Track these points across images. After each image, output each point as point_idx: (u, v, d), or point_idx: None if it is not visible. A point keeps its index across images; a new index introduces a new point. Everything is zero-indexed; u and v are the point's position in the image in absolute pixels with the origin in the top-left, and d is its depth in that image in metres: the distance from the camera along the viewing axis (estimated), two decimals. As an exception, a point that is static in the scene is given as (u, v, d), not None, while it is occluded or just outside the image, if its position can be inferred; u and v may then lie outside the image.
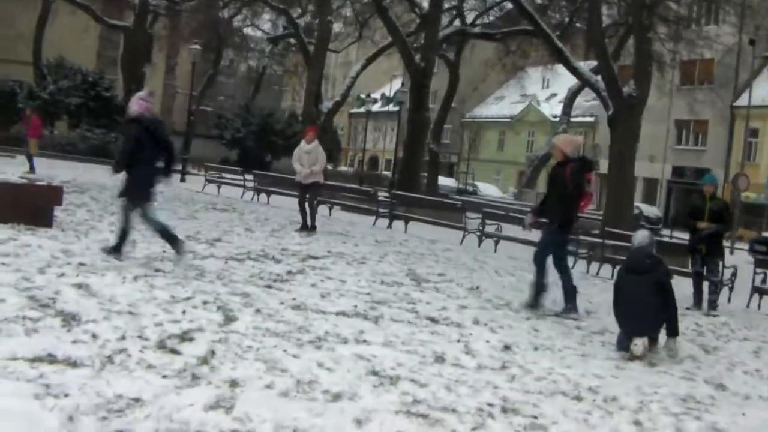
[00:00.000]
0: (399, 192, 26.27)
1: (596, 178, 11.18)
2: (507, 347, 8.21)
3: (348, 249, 14.95)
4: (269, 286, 9.76)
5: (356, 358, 6.92)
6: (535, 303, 10.82)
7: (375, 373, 6.52)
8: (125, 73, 46.84)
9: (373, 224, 21.84)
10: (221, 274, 10.21)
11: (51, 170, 23.04)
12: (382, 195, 24.87)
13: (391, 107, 77.76)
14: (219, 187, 28.09)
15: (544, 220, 11.19)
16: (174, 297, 8.36)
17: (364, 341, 7.61)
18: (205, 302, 8.31)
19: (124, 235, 10.41)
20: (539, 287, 10.83)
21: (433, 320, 9.11)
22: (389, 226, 21.65)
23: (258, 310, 8.28)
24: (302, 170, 17.22)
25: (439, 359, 7.33)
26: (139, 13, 45.44)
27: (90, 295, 7.98)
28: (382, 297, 10.09)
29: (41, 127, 27.15)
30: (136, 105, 10.60)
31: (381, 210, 22.78)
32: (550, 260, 10.78)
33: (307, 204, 17.40)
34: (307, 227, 17.28)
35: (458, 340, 8.23)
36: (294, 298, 9.17)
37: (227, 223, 17.11)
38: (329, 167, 32.35)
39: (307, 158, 17.41)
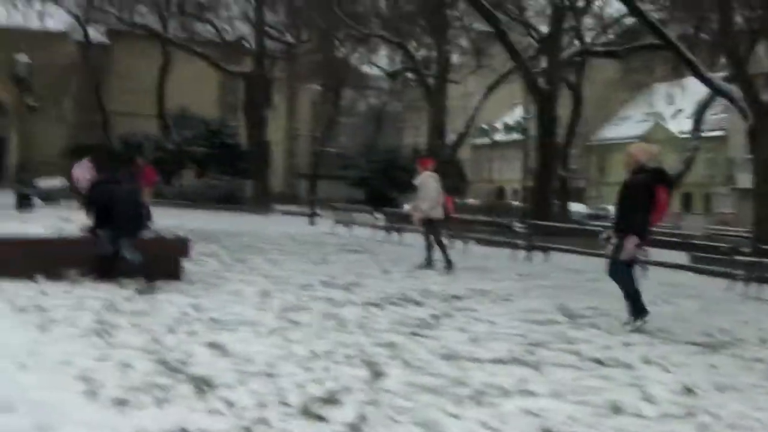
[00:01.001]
0: (535, 221, 25.20)
1: (667, 196, 10.25)
2: (688, 390, 7.19)
3: (490, 286, 14.06)
4: (415, 333, 8.95)
5: (523, 414, 6.05)
6: (637, 314, 10.15)
7: (548, 432, 5.66)
8: (248, 118, 46.98)
9: (511, 257, 20.87)
10: (362, 322, 9.46)
11: (179, 219, 22.76)
12: (517, 225, 23.85)
13: (514, 135, 76.70)
14: (349, 228, 27.51)
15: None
16: (314, 352, 7.64)
17: (528, 392, 6.72)
18: (348, 356, 7.56)
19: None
20: (634, 297, 10.19)
21: (599, 362, 8.14)
22: (528, 258, 20.64)
23: (407, 363, 7.48)
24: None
25: (616, 409, 6.39)
26: (256, 58, 45.52)
27: (223, 354, 7.34)
28: (537, 338, 9.18)
29: (155, 176, 27.10)
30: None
31: (517, 241, 21.79)
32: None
33: (431, 239, 16.66)
34: (429, 263, 16.46)
35: (632, 385, 7.26)
36: (443, 346, 8.34)
37: (361, 265, 16.43)
38: (456, 200, 31.52)
39: (419, 192, 16.78)
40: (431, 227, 16.82)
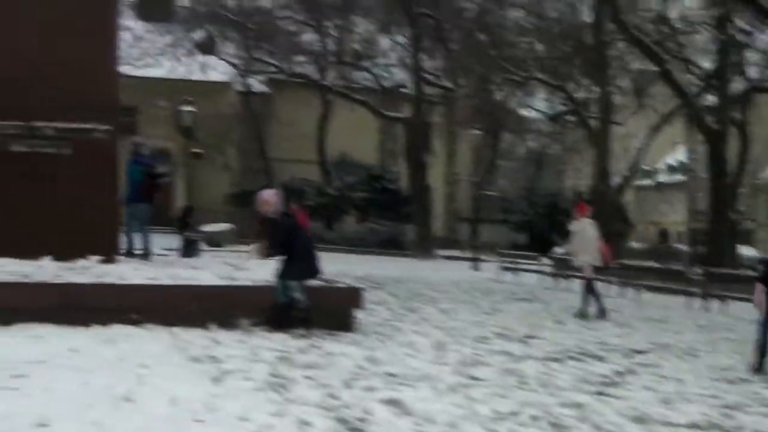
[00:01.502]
0: (710, 267, 24.05)
1: None
2: None
3: (670, 339, 13.36)
4: (600, 393, 8.43)
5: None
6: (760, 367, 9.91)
7: None
8: (408, 164, 47.04)
9: (686, 306, 19.92)
10: (543, 378, 9.01)
11: (342, 265, 22.75)
12: (692, 272, 22.84)
13: (677, 176, 74.38)
14: (515, 274, 26.97)
15: None
16: (497, 412, 7.24)
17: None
18: (534, 417, 7.13)
19: None
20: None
21: (805, 429, 7.49)
22: (704, 307, 19.64)
23: (596, 426, 7.01)
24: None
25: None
26: (415, 103, 45.63)
27: (403, 413, 7.02)
28: (733, 400, 8.53)
29: (307, 222, 27.26)
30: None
31: (692, 289, 20.78)
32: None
33: (594, 288, 16.23)
34: (585, 314, 15.91)
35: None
36: (633, 407, 7.81)
37: (534, 315, 15.92)
38: (617, 245, 30.61)
39: (575, 239, 16.33)
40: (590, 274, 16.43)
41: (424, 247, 43.63)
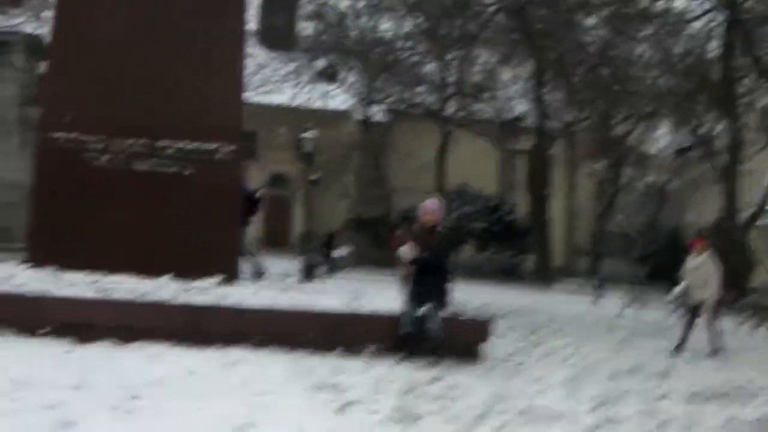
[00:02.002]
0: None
1: None
2: None
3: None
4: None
5: None
6: None
7: None
8: (530, 195, 46.31)
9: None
10: (686, 421, 8.35)
11: (460, 294, 22.17)
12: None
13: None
14: (638, 309, 26.02)
15: None
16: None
17: None
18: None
19: None
20: None
21: None
22: None
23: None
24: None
25: None
26: (537, 136, 44.89)
27: (541, 454, 6.51)
28: None
29: None
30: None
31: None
32: None
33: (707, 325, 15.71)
34: (682, 347, 15.34)
35: None
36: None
37: (664, 352, 15.15)
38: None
39: (694, 275, 15.81)
40: (696, 310, 16.08)
41: (543, 278, 42.77)
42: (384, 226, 47.04)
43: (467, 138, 50.62)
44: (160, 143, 12.69)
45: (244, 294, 11.26)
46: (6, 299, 9.75)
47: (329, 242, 36.74)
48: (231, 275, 12.46)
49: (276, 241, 55.08)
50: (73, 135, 12.51)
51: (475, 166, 54.28)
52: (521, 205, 53.36)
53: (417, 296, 10.63)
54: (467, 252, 51.55)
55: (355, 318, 10.70)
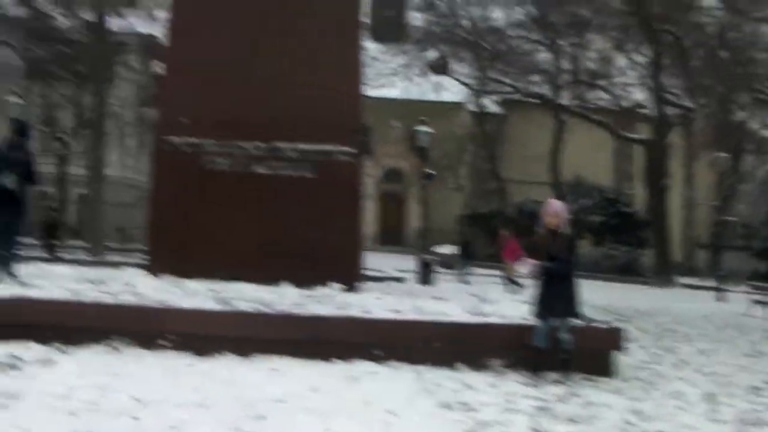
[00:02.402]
0: None
1: None
2: None
3: None
4: None
5: None
6: None
7: None
8: (648, 187, 44.97)
9: None
10: None
11: (584, 293, 21.45)
12: None
13: None
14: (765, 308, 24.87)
15: None
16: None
17: None
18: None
19: None
20: None
21: None
22: None
23: None
24: None
25: None
26: (656, 124, 43.55)
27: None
28: None
29: (519, 250, 26.27)
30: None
31: None
32: None
33: None
34: None
35: None
36: None
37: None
38: None
39: None
40: None
41: (663, 274, 41.55)
42: (498, 220, 46.51)
43: (581, 128, 49.72)
44: (279, 145, 12.50)
45: (367, 302, 10.93)
46: (126, 310, 9.65)
47: (466, 248, 36.39)
48: (352, 280, 12.17)
49: (391, 237, 55.08)
50: (191, 138, 12.41)
51: (590, 156, 53.47)
52: (638, 197, 52.26)
53: (546, 305, 10.05)
54: (584, 247, 50.57)
55: (483, 328, 10.22)
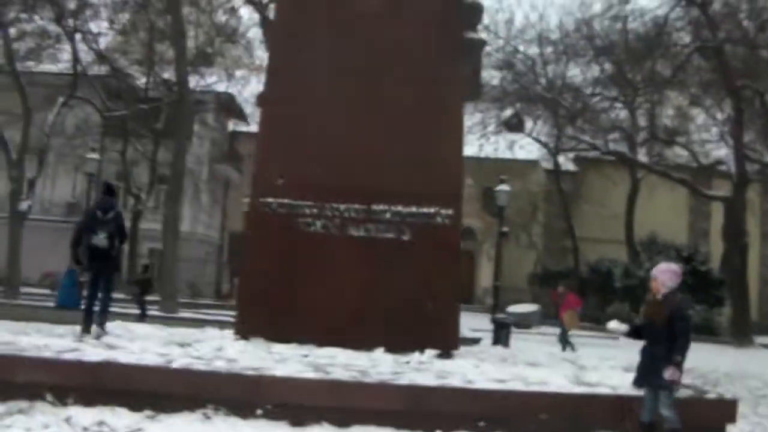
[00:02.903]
0: None
1: None
2: None
3: None
4: None
5: None
6: None
7: None
8: (727, 245, 43.80)
9: None
10: None
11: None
12: None
13: None
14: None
15: None
16: None
17: None
18: None
19: None
20: None
21: None
22: None
23: None
24: None
25: None
26: (737, 181, 42.53)
27: None
28: None
29: (578, 303, 25.67)
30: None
31: None
32: None
33: None
34: None
35: None
36: None
37: None
38: None
39: None
40: None
41: (742, 334, 40.26)
42: (572, 279, 45.82)
43: (657, 185, 49.00)
44: (377, 207, 12.17)
45: (465, 370, 10.48)
46: (219, 377, 9.28)
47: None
48: (448, 347, 11.73)
49: (462, 296, 54.59)
50: (285, 200, 12.16)
51: (665, 214, 52.79)
52: (714, 255, 51.35)
53: (641, 373, 9.43)
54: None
55: (590, 399, 9.66)
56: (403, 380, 9.53)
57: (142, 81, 42.50)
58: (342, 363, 10.24)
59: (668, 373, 8.66)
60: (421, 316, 11.66)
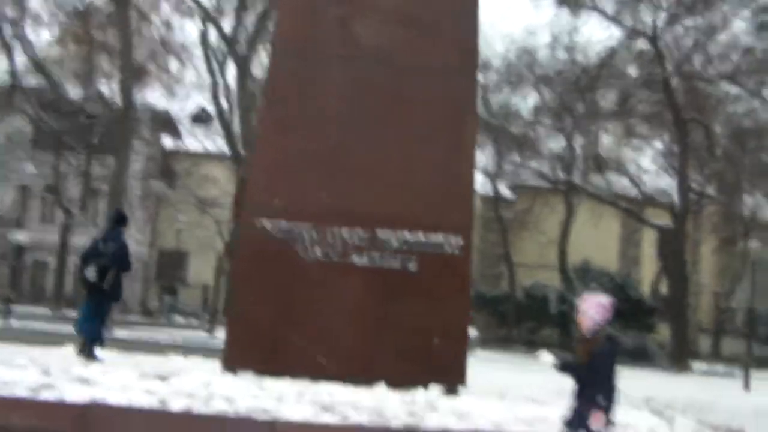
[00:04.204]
0: None
1: None
2: None
3: None
4: None
5: None
6: None
7: None
8: (668, 272, 43.71)
9: None
10: None
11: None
12: None
13: None
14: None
15: None
16: None
17: None
18: None
19: None
20: None
21: None
22: None
23: None
24: None
25: None
26: (679, 212, 42.48)
27: None
28: None
29: None
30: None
31: None
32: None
33: None
34: None
35: None
36: None
37: None
38: None
39: None
40: None
41: (681, 361, 40.16)
42: (507, 304, 45.76)
43: (590, 214, 49.46)
44: (382, 234, 11.26)
45: (481, 409, 9.66)
46: (230, 424, 8.13)
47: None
48: (454, 382, 10.87)
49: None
50: (282, 222, 11.16)
51: (598, 241, 53.21)
52: (645, 282, 51.93)
53: (573, 417, 8.35)
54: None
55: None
56: (430, 424, 8.62)
57: (77, 93, 41.14)
58: (347, 401, 9.32)
59: (591, 421, 7.77)
60: (428, 352, 10.79)
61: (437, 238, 11.22)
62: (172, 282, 45.80)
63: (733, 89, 42.13)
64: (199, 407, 8.41)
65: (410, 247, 11.18)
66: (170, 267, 49.49)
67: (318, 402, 9.19)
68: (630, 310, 49.24)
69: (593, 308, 7.94)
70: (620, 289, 50.15)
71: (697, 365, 41.96)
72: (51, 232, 45.81)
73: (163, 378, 10.06)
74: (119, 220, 13.37)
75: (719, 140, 43.84)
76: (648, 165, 49.02)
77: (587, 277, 51.28)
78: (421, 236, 11.19)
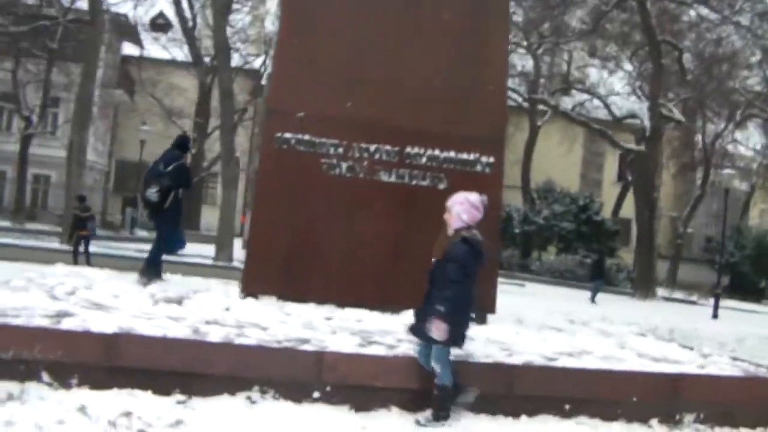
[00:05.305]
0: None
1: None
2: None
3: None
4: None
5: None
6: None
7: None
8: (637, 196, 43.53)
9: None
10: None
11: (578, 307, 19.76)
12: None
13: None
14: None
15: None
16: None
17: None
18: None
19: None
20: None
21: None
22: None
23: None
24: None
25: None
26: (650, 136, 42.21)
27: None
28: None
29: None
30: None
31: None
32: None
33: None
34: None
35: None
36: None
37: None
38: None
39: None
40: None
41: (647, 287, 40.14)
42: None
43: (557, 135, 49.15)
44: (410, 150, 10.62)
45: (514, 338, 9.22)
46: (272, 354, 7.52)
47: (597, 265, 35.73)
48: (485, 311, 10.39)
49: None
50: (305, 136, 10.44)
51: (560, 164, 53.10)
52: (606, 206, 52.02)
53: (418, 320, 7.68)
54: (551, 253, 49.95)
55: (677, 380, 8.44)
56: (479, 355, 8.12)
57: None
58: (382, 330, 8.82)
59: (432, 329, 7.15)
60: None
61: (468, 155, 10.63)
62: (134, 194, 44.54)
63: (704, 12, 41.70)
64: (234, 336, 7.78)
65: (440, 164, 10.60)
66: (132, 179, 48.21)
67: (348, 329, 8.68)
68: (592, 233, 49.41)
69: (460, 205, 7.53)
70: (583, 210, 50.22)
71: (660, 291, 42.16)
72: (10, 143, 44.61)
73: (178, 302, 9.42)
74: (180, 145, 13.06)
75: (688, 65, 43.57)
76: (618, 87, 48.76)
77: (550, 197, 51.19)
78: (451, 153, 10.58)
